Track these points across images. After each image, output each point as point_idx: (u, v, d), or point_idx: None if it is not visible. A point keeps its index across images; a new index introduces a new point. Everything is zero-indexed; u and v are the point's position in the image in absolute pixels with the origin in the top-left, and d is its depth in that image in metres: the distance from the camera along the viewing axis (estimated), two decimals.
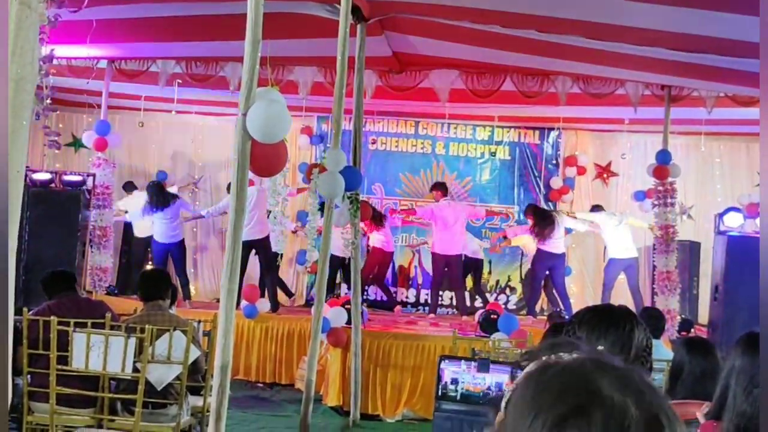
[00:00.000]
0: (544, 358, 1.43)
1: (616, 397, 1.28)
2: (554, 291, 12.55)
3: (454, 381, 4.16)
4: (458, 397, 4.89)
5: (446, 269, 12.46)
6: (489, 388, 5.02)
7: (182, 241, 12.23)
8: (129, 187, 13.43)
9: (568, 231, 12.81)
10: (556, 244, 12.13)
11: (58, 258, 9.89)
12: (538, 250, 12.26)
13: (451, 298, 13.50)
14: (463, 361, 4.29)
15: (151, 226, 12.30)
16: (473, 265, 13.18)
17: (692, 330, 10.88)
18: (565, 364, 1.41)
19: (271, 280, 11.74)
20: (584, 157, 14.29)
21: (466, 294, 13.16)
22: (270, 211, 8.38)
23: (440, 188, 12.65)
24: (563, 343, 1.50)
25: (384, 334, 10.34)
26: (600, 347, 2.49)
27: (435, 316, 12.53)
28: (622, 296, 12.28)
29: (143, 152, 14.81)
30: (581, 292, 13.98)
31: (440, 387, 4.18)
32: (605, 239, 12.67)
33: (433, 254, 12.64)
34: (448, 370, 4.17)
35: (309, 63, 10.79)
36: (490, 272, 14.17)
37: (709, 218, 12.75)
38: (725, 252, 10.94)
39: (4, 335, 2.70)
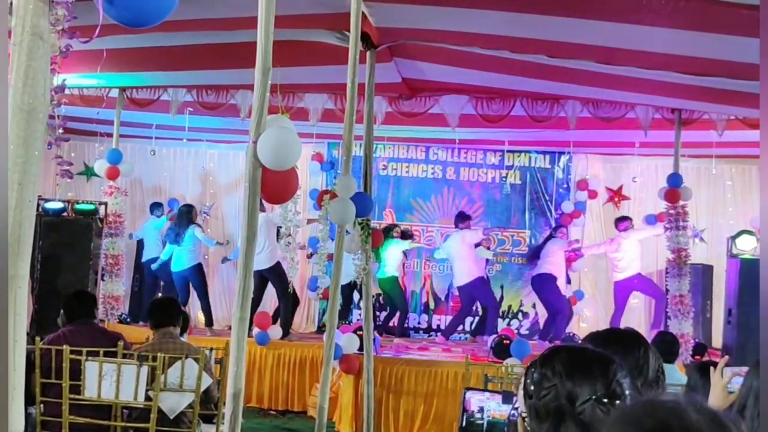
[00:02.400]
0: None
1: (701, 424, 1.29)
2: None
3: (481, 409, 4.11)
4: (485, 426, 4.82)
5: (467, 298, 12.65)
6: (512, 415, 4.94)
7: (199, 266, 12.25)
8: (155, 207, 13.61)
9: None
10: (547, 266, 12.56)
11: (71, 286, 9.90)
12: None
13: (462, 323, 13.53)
14: (486, 392, 4.26)
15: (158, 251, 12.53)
16: None
17: (706, 354, 10.81)
18: (655, 397, 1.45)
19: (284, 306, 11.75)
20: (595, 180, 14.29)
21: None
22: (287, 234, 8.37)
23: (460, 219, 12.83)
24: None
25: (396, 360, 10.32)
26: None
27: (446, 340, 12.56)
28: (633, 320, 12.34)
29: (155, 180, 14.86)
30: (594, 316, 13.93)
31: (465, 417, 4.12)
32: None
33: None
34: (475, 399, 4.13)
35: (319, 90, 10.81)
36: (502, 297, 14.14)
37: (721, 241, 12.70)
38: (738, 275, 10.90)
39: (3, 362, 2.70)
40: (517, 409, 2.27)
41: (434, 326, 14.06)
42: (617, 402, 2.11)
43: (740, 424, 1.38)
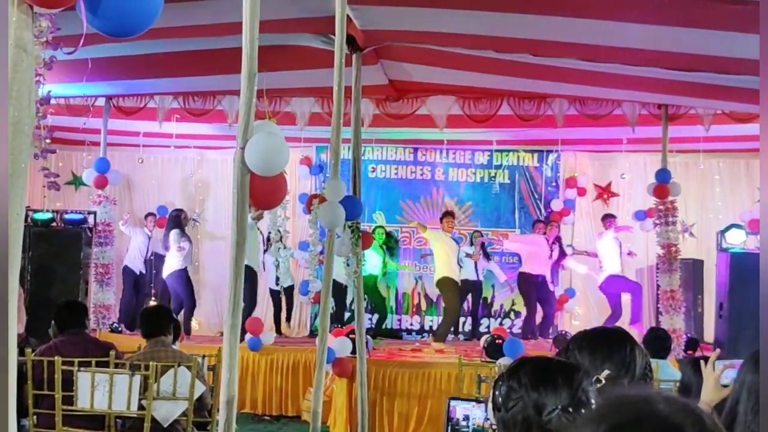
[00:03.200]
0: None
1: (673, 416, 1.31)
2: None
3: (466, 417, 4.16)
4: None
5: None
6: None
7: (182, 271, 12.18)
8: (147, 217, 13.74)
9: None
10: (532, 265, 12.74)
11: (61, 297, 9.87)
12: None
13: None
14: (472, 401, 4.32)
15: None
16: (471, 288, 13.19)
17: (699, 348, 10.84)
18: (628, 390, 1.47)
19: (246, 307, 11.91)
20: (584, 178, 14.32)
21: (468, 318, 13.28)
22: (277, 239, 8.36)
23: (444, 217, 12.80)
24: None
25: (389, 362, 10.31)
26: (606, 371, 2.52)
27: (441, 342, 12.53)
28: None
29: (143, 188, 14.83)
30: (586, 314, 13.95)
31: (451, 425, 4.16)
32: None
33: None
34: (460, 408, 4.18)
35: (306, 94, 10.81)
36: (493, 296, 14.15)
37: (711, 236, 12.74)
38: (728, 269, 10.93)
39: (4, 374, 2.69)
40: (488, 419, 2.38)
41: (426, 327, 14.05)
42: (582, 410, 2.19)
43: (713, 414, 1.42)
